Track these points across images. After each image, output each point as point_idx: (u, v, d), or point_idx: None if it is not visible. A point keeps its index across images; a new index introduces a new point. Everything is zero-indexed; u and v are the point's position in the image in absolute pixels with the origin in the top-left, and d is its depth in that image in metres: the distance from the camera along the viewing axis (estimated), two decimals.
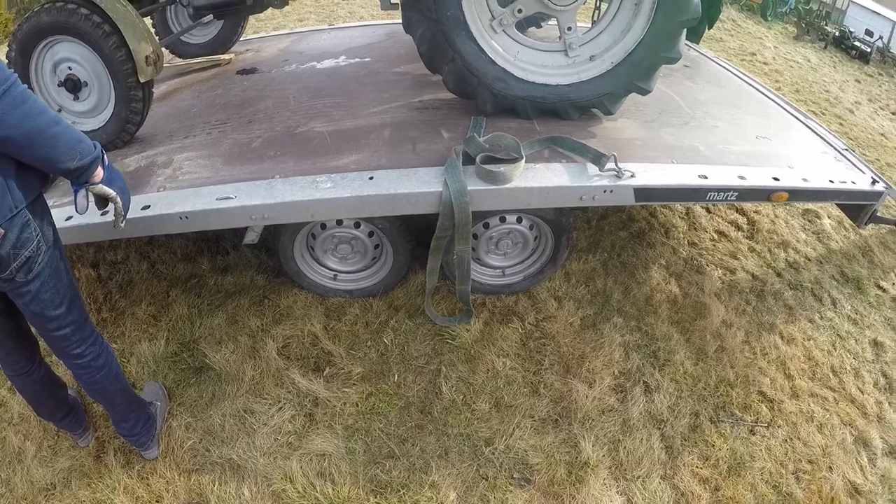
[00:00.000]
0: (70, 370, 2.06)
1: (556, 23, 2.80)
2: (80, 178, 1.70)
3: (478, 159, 2.44)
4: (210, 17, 3.76)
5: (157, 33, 3.99)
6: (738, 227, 3.90)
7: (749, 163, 2.72)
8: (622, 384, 2.74)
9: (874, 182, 2.89)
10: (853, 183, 2.83)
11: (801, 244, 3.81)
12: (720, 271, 3.48)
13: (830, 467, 2.49)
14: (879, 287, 3.53)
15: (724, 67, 4.27)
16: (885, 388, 2.90)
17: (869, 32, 8.95)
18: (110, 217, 1.88)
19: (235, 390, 2.63)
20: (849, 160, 3.07)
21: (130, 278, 3.21)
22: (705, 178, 2.53)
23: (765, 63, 7.50)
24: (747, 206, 4.04)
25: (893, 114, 6.64)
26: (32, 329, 2.04)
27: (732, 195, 2.55)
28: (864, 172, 2.97)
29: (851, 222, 3.38)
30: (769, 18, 9.89)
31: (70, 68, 2.74)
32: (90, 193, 1.75)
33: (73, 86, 2.76)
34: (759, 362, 2.91)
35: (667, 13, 2.50)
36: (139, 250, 3.37)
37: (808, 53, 8.44)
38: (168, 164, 2.72)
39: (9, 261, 1.64)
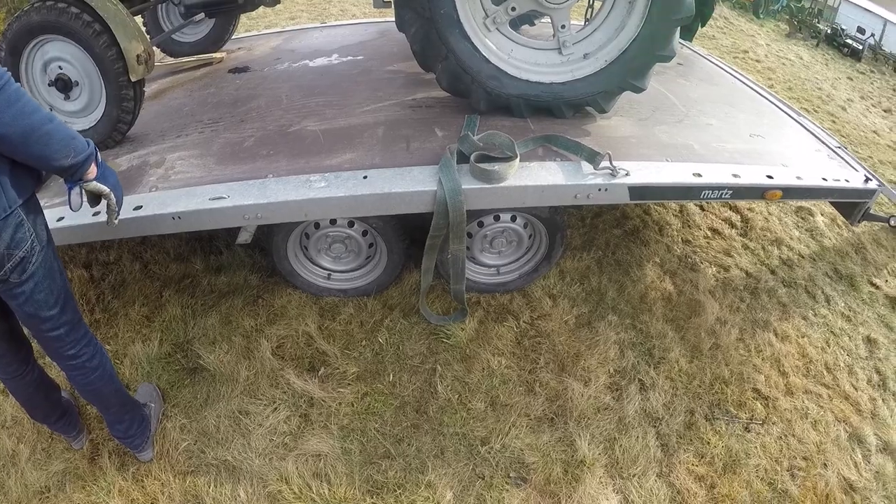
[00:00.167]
0: (64, 372, 2.05)
1: (549, 20, 2.80)
2: (74, 176, 1.69)
3: (472, 158, 2.43)
4: (201, 15, 3.74)
5: (148, 32, 3.98)
6: (732, 225, 3.91)
7: (743, 161, 2.72)
8: (617, 382, 2.74)
9: (867, 180, 2.90)
10: (846, 181, 2.84)
11: (795, 241, 3.82)
12: (714, 269, 3.49)
13: (825, 464, 2.50)
14: (872, 284, 3.55)
15: (716, 65, 4.28)
16: (879, 385, 2.92)
17: (861, 30, 8.99)
18: (103, 215, 1.87)
19: (230, 391, 2.62)
20: (842, 158, 3.08)
21: (123, 279, 3.19)
22: (700, 176, 2.53)
23: (757, 60, 7.52)
24: (741, 203, 4.05)
25: (885, 111, 6.68)
26: (25, 331, 2.02)
27: (727, 193, 2.56)
28: (857, 170, 2.98)
29: (844, 219, 3.39)
30: (761, 16, 9.92)
31: (61, 67, 2.71)
32: (83, 191, 1.74)
33: (63, 85, 2.74)
34: (753, 359, 2.92)
35: (661, 11, 2.50)
36: (132, 251, 3.35)
37: (800, 51, 8.47)
38: (160, 164, 2.70)
39: (3, 261, 1.63)
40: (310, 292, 3.07)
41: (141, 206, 2.40)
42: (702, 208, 4.02)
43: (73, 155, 1.63)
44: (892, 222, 3.40)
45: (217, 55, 4.12)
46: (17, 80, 2.69)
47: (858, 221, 3.10)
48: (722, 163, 2.68)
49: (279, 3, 3.99)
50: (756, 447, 2.53)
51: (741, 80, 4.02)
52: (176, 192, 2.47)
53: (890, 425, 2.71)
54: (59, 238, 2.17)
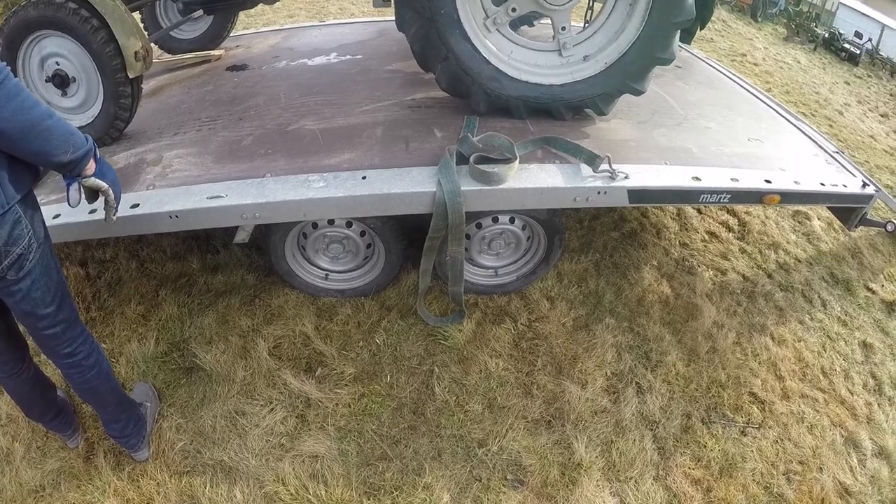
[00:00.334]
0: (60, 370, 2.03)
1: (549, 21, 2.79)
2: (72, 171, 1.68)
3: (472, 159, 2.43)
4: (200, 12, 3.71)
5: (146, 28, 3.95)
6: (729, 228, 3.92)
7: (741, 165, 2.72)
8: (614, 385, 2.74)
9: (865, 185, 2.91)
10: (844, 186, 2.85)
11: (792, 245, 3.83)
12: (711, 272, 3.49)
13: (821, 468, 2.51)
14: (869, 289, 3.56)
15: (715, 68, 4.28)
16: (875, 390, 2.93)
17: (858, 34, 9.04)
18: (101, 212, 1.86)
19: (226, 391, 2.61)
20: (839, 163, 3.09)
21: (119, 277, 3.17)
22: (698, 179, 2.54)
23: (755, 64, 7.55)
24: (738, 207, 4.06)
25: (882, 116, 6.71)
26: (21, 328, 2.01)
27: (725, 197, 2.57)
28: (854, 175, 2.99)
29: (841, 224, 3.40)
30: (759, 19, 9.96)
31: (58, 63, 2.69)
32: (82, 187, 1.73)
33: (60, 81, 2.72)
34: (750, 363, 2.92)
35: (661, 14, 2.49)
36: (128, 248, 3.33)
37: (797, 55, 8.50)
38: (157, 162, 2.68)
39: (0, 258, 1.62)
40: (307, 292, 3.06)
41: (138, 205, 2.38)
42: (699, 211, 4.03)
43: (72, 151, 1.62)
44: (888, 227, 3.42)
45: (215, 53, 4.10)
46: (14, 76, 2.67)
47: (855, 226, 3.10)
48: (720, 167, 2.68)
49: (278, 0, 3.98)
50: (752, 451, 2.54)
51: (739, 84, 4.02)
52: (173, 190, 2.45)
53: (885, 430, 2.72)
54: (56, 235, 2.15)
